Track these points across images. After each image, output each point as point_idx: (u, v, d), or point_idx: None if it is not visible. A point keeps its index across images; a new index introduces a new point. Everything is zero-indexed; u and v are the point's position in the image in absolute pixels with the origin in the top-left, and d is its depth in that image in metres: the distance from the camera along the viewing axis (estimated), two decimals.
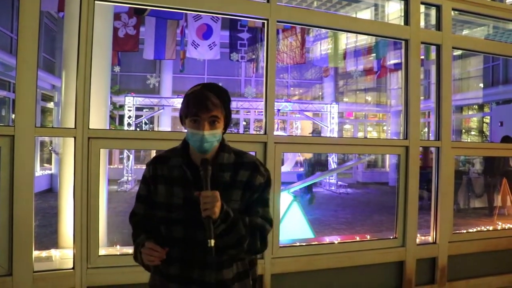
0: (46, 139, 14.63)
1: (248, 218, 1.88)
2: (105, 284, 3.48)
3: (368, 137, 21.25)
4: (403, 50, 4.71)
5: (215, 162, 1.92)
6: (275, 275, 4.02)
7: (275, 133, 4.06)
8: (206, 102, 1.84)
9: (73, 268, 3.43)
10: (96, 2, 3.50)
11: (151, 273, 2.04)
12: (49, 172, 14.25)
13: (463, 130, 19.67)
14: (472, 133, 19.77)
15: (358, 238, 4.74)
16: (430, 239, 4.87)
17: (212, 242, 1.70)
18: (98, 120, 4.51)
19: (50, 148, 14.76)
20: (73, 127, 3.43)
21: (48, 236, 7.12)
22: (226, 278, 1.91)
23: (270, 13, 3.99)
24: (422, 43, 4.74)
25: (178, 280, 1.92)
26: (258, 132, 17.49)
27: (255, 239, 1.88)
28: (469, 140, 18.69)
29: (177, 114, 18.40)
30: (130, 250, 3.92)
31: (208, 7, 3.94)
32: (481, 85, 17.52)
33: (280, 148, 4.07)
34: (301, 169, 15.23)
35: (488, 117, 17.69)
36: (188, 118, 1.88)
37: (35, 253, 3.45)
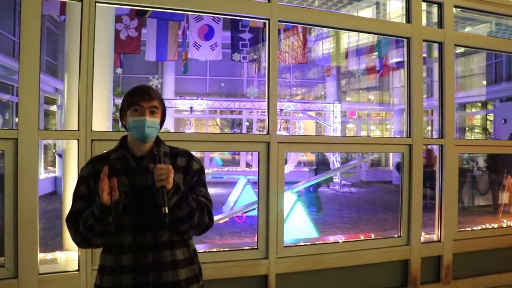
0: (50, 142, 14.67)
1: (194, 196, 2.06)
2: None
3: (371, 135, 21.20)
4: (405, 48, 4.70)
5: (155, 144, 2.11)
6: (280, 275, 4.01)
7: (278, 133, 4.06)
8: (148, 91, 2.06)
9: (78, 270, 3.44)
10: (97, 4, 3.51)
11: (98, 274, 2.10)
12: (53, 175, 14.28)
13: (467, 128, 19.60)
14: (476, 130, 19.71)
15: (362, 237, 4.73)
16: (435, 237, 4.85)
17: (166, 209, 1.87)
18: (101, 122, 4.52)
19: (53, 151, 14.79)
20: (76, 129, 3.44)
21: (53, 239, 7.15)
22: (179, 258, 2.05)
23: (271, 13, 3.99)
24: (424, 40, 4.73)
25: (131, 269, 1.98)
26: (261, 132, 17.48)
27: (203, 213, 2.06)
28: (472, 138, 18.61)
29: (179, 115, 18.31)
30: None
31: (209, 7, 3.94)
32: (484, 82, 17.45)
33: (283, 148, 4.07)
34: (306, 169, 15.21)
35: (492, 114, 17.63)
36: (130, 109, 2.05)
37: (40, 256, 3.47)
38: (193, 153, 2.33)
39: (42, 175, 13.51)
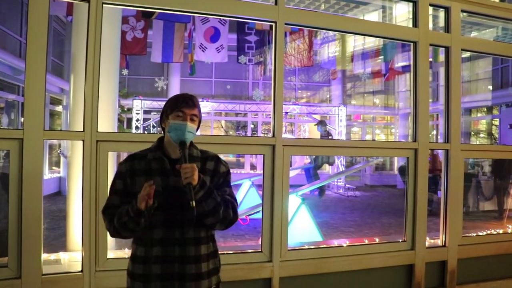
0: (55, 142, 14.71)
1: (219, 192, 2.28)
2: (113, 286, 3.47)
3: (376, 139, 21.14)
4: (411, 52, 4.68)
5: (184, 145, 2.25)
6: (283, 278, 4.00)
7: (283, 136, 4.04)
8: (192, 99, 2.31)
9: (81, 271, 3.44)
10: (104, 5, 3.51)
11: (130, 261, 2.32)
12: (58, 175, 14.32)
13: (472, 133, 19.52)
14: (481, 135, 19.62)
15: (367, 241, 4.71)
16: (439, 242, 4.83)
17: (194, 203, 2.07)
18: (106, 123, 4.52)
19: (58, 151, 14.84)
20: (82, 130, 3.44)
21: (57, 239, 7.15)
22: (203, 253, 2.29)
23: (278, 15, 3.99)
24: (431, 45, 4.71)
25: (160, 260, 2.21)
26: (265, 135, 17.48)
27: (228, 208, 2.27)
28: (477, 143, 18.53)
29: None
30: None
31: (217, 10, 3.95)
32: (490, 87, 17.38)
33: (289, 151, 4.06)
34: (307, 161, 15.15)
35: (497, 119, 17.54)
36: (173, 113, 2.27)
37: (44, 256, 3.47)
38: None
39: (47, 175, 13.55)
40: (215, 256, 2.41)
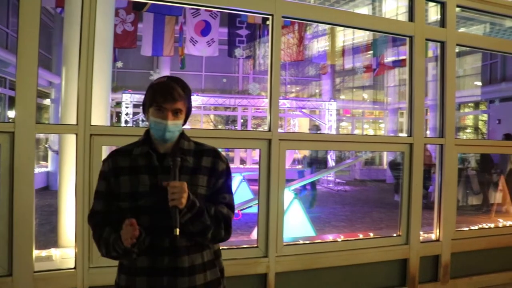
0: (42, 136, 14.52)
1: (214, 208, 1.95)
2: (107, 284, 3.40)
3: (366, 134, 21.23)
4: (407, 47, 4.67)
5: (176, 147, 1.97)
6: (279, 274, 3.98)
7: None
8: (172, 92, 1.93)
9: (74, 267, 3.37)
10: None
11: (117, 271, 2.05)
12: (46, 169, 14.15)
13: (460, 128, 19.69)
14: (468, 130, 19.80)
15: (361, 236, 4.70)
16: (433, 236, 4.85)
17: (177, 231, 1.78)
18: (99, 117, 4.44)
19: (46, 145, 14.65)
20: (75, 123, 3.37)
21: (46, 235, 7.05)
22: (197, 263, 1.96)
23: (275, 8, 3.94)
24: (427, 39, 4.70)
25: (147, 271, 1.92)
26: (255, 129, 17.43)
27: (219, 228, 1.96)
28: (465, 138, 18.70)
29: None
30: None
31: (213, 1, 3.89)
32: (479, 83, 17.53)
33: (285, 145, 4.03)
34: (300, 166, 15.22)
35: (485, 115, 17.71)
36: (152, 107, 1.95)
37: (35, 253, 3.39)
38: None
39: (35, 169, 13.38)
40: (214, 266, 2.06)
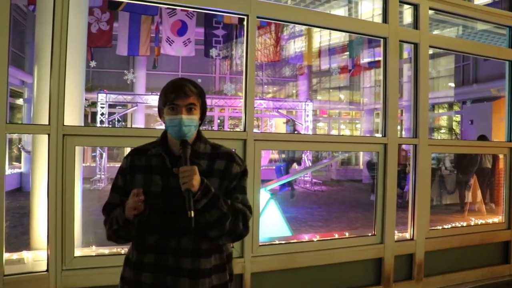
0: (15, 136, 14.21)
1: (229, 201, 1.95)
2: (81, 286, 3.36)
3: (342, 134, 21.39)
4: (381, 48, 4.73)
5: (192, 150, 1.96)
6: (255, 274, 3.98)
7: None
8: (183, 88, 1.95)
9: (47, 270, 3.31)
10: None
11: (123, 265, 2.09)
12: (19, 170, 13.85)
13: (434, 128, 20.04)
14: (442, 131, 20.17)
15: (337, 236, 4.74)
16: (407, 235, 4.91)
17: (192, 213, 1.78)
18: (72, 117, 4.36)
19: (19, 146, 14.34)
20: (47, 123, 3.30)
21: (18, 237, 6.90)
22: (203, 268, 1.96)
23: (250, 9, 3.93)
24: (400, 41, 4.77)
25: (152, 269, 1.96)
26: (232, 130, 17.40)
27: (238, 220, 1.95)
28: (439, 138, 19.05)
29: (150, 111, 18.10)
30: (106, 250, 3.82)
31: (188, 1, 3.86)
32: (452, 84, 17.88)
33: (260, 145, 4.03)
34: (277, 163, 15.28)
35: (459, 115, 18.07)
36: (166, 107, 1.97)
37: (6, 256, 3.31)
38: None
39: (7, 170, 13.09)
40: (224, 269, 2.06)
